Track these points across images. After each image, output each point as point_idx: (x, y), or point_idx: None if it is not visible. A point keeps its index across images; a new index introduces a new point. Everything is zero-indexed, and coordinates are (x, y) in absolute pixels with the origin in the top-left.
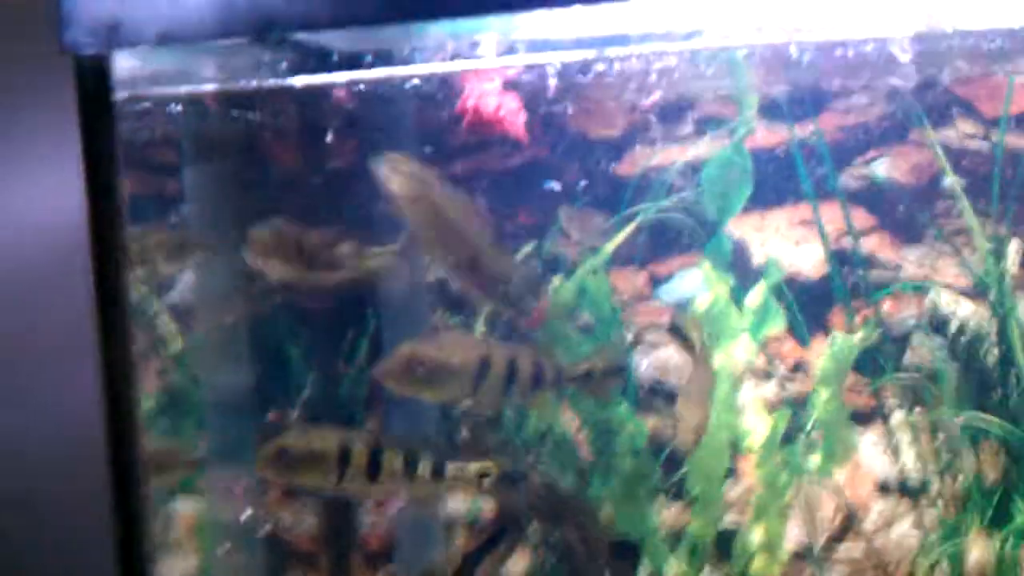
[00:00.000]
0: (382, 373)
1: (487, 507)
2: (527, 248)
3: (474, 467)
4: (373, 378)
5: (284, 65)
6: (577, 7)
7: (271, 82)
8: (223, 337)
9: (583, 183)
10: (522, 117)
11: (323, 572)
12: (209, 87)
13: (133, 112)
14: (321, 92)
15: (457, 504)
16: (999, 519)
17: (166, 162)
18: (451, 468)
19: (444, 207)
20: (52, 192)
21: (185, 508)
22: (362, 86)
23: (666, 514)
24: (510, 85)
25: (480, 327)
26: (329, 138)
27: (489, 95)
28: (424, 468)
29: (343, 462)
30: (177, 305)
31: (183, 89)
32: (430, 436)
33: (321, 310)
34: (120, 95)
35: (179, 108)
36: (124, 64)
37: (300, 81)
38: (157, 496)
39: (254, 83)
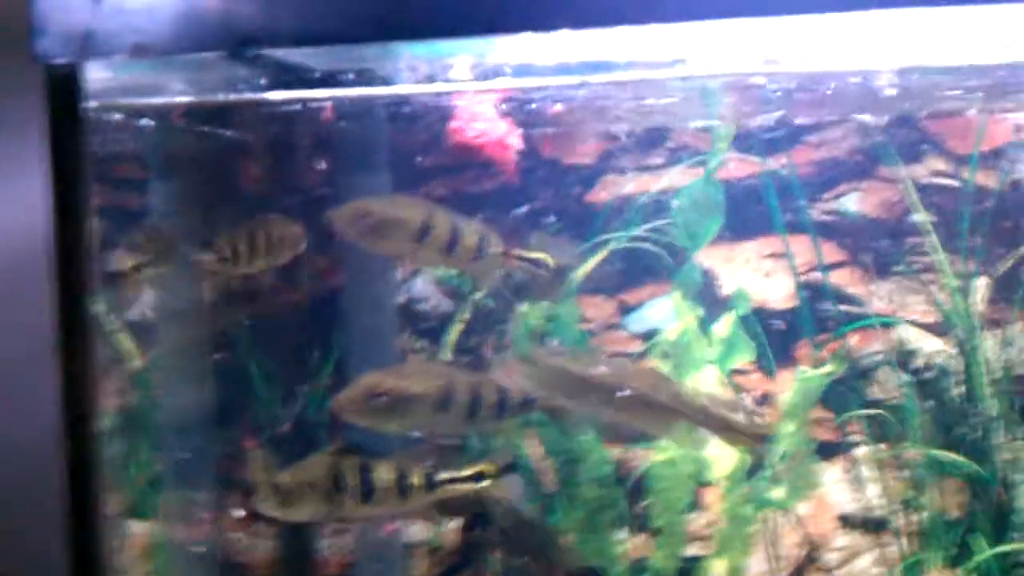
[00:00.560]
0: (341, 405)
1: (450, 534)
2: (564, 247)
3: (469, 470)
4: (332, 410)
5: (261, 83)
6: (563, 31)
7: (244, 96)
8: (183, 356)
9: (555, 209)
10: (511, 143)
11: None
12: (181, 99)
13: (102, 125)
14: (297, 115)
15: (419, 530)
16: (961, 556)
17: (132, 178)
18: (444, 475)
19: (395, 217)
20: (18, 203)
21: (139, 531)
22: (336, 107)
23: (630, 545)
24: (500, 110)
25: (448, 352)
26: (303, 161)
27: (477, 119)
28: (417, 479)
29: (337, 488)
30: (137, 322)
31: (154, 101)
32: (416, 448)
33: (284, 331)
34: (91, 105)
35: (149, 123)
36: (96, 76)
37: (272, 96)
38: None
39: (226, 96)
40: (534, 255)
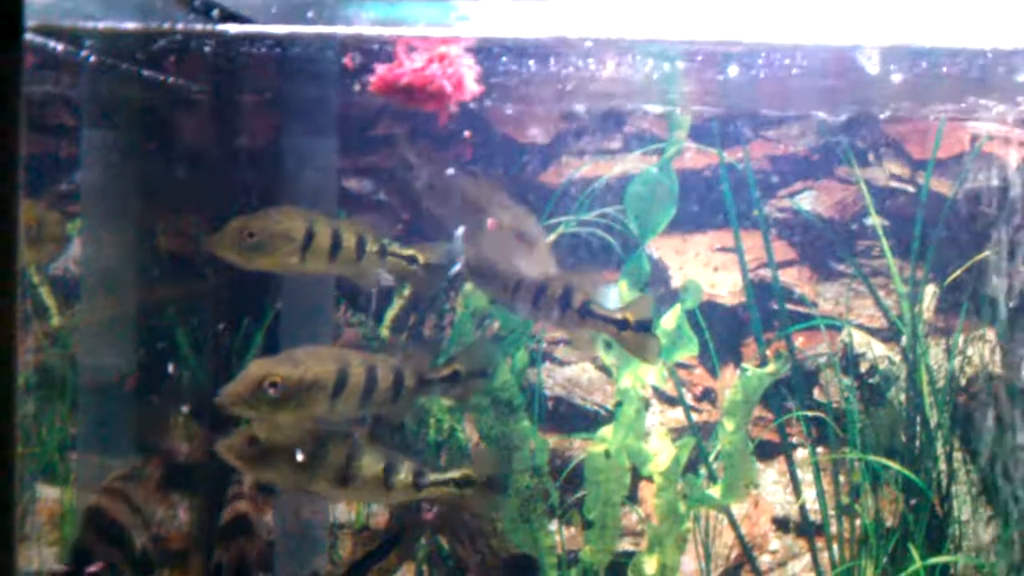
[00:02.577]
0: (230, 398)
1: (378, 515)
2: (441, 247)
3: (454, 474)
4: (219, 404)
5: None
6: None
7: (194, 27)
8: (108, 317)
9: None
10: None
11: (192, 572)
12: (128, 25)
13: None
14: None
15: (345, 510)
16: (894, 565)
17: (64, 123)
18: (431, 477)
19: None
20: None
21: (49, 495)
22: (284, 54)
23: (560, 537)
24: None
25: (386, 329)
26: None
27: (432, 64)
28: (405, 476)
29: (316, 461)
30: (60, 278)
31: (100, 25)
32: (410, 444)
33: (217, 299)
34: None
35: (89, 58)
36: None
37: (224, 28)
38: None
39: (171, 25)
40: (408, 252)
